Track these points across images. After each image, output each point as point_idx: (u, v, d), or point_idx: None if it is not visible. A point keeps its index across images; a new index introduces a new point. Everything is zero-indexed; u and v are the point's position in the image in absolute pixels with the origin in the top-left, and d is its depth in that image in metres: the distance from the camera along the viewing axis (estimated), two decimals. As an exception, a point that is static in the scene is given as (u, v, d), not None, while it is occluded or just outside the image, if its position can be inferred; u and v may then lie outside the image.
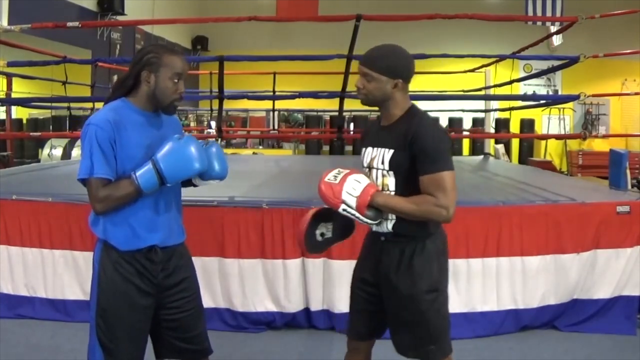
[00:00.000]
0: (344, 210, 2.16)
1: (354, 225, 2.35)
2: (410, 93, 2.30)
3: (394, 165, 2.20)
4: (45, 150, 9.71)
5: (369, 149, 2.31)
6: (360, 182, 2.17)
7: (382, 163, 2.23)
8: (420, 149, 2.13)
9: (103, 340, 2.14)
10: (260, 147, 13.41)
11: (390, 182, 2.22)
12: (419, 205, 2.14)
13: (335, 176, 2.20)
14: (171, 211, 2.24)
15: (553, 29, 10.40)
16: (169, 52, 2.17)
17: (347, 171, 2.22)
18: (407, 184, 2.19)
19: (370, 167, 2.28)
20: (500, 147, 11.80)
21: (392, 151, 2.21)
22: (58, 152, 9.60)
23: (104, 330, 2.14)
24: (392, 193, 2.22)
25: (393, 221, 2.23)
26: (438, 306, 2.24)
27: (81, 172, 2.09)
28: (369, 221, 2.19)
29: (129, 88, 2.19)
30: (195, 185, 2.30)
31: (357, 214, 2.16)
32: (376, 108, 2.30)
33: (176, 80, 2.15)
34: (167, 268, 2.21)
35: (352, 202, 2.14)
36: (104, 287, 2.14)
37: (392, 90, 2.22)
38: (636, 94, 10.08)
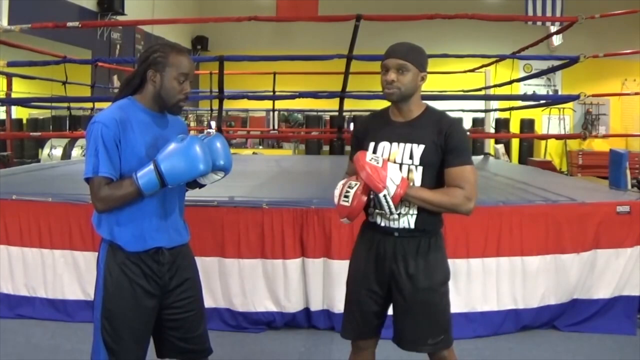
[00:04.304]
0: (384, 196, 2.13)
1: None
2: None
3: (425, 160, 2.20)
4: (45, 150, 9.71)
5: (384, 143, 2.26)
6: (397, 171, 2.17)
7: (410, 158, 2.22)
8: (454, 144, 2.19)
9: (108, 341, 2.14)
10: (260, 147, 13.42)
11: (417, 176, 2.22)
12: (449, 196, 2.18)
13: (376, 160, 2.16)
14: (176, 211, 2.24)
15: (553, 29, 10.40)
16: (176, 51, 2.15)
17: (383, 157, 2.20)
18: (433, 179, 2.22)
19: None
20: (500, 147, 11.81)
21: (422, 146, 2.20)
22: (58, 152, 9.60)
23: (109, 332, 2.14)
24: None
25: (415, 216, 2.22)
26: (447, 298, 2.32)
27: (87, 170, 2.07)
28: (394, 212, 2.17)
29: (135, 87, 2.18)
30: (201, 187, 2.26)
31: (391, 203, 2.14)
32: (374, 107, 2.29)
33: (182, 81, 2.14)
34: (171, 269, 2.20)
35: (392, 190, 2.13)
36: (109, 289, 2.13)
37: (419, 83, 2.24)
38: (636, 94, 10.08)
